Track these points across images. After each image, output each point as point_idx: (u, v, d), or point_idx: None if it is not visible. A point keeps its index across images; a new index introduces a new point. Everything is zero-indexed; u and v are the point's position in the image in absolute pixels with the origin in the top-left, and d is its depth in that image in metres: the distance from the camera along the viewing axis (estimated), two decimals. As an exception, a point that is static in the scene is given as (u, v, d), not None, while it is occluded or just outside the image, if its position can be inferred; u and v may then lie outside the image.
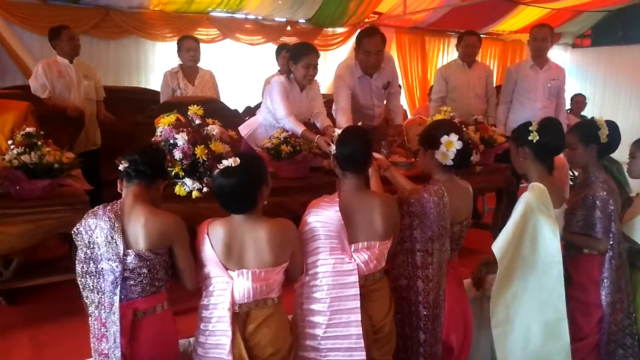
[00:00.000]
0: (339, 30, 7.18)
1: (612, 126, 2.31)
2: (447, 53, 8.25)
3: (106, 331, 1.69)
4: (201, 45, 4.30)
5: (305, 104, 3.36)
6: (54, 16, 5.23)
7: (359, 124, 3.57)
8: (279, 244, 1.81)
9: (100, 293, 1.71)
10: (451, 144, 2.03)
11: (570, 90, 6.18)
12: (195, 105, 2.65)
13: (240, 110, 4.68)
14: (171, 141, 2.49)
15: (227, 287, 1.77)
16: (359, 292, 1.89)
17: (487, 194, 4.51)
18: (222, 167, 1.77)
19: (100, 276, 1.71)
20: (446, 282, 2.13)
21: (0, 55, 4.93)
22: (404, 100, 7.66)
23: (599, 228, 2.23)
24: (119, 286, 1.67)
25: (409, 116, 6.26)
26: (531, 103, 4.15)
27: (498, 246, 2.11)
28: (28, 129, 2.44)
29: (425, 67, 8.04)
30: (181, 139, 2.47)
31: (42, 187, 2.35)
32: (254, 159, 1.86)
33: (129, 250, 1.68)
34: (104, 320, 1.70)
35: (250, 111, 4.57)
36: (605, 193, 2.22)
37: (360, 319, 1.88)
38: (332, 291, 1.91)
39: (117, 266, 1.67)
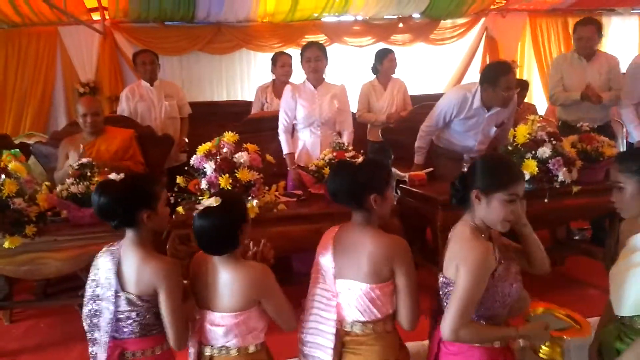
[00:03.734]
0: (460, 20, 6.53)
1: None
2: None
3: None
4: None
5: (322, 102, 3.36)
6: (172, 37, 5.70)
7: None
8: (241, 288, 1.69)
9: (98, 331, 1.73)
10: None
11: None
12: (231, 132, 2.64)
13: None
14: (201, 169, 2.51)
15: (196, 326, 1.77)
16: (334, 331, 1.70)
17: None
18: (201, 208, 1.69)
19: (100, 314, 1.74)
20: None
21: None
22: (541, 95, 6.74)
23: None
24: (111, 326, 1.69)
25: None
26: None
27: None
28: (83, 160, 2.67)
29: (569, 54, 6.94)
30: (209, 167, 2.47)
31: (89, 214, 2.53)
32: (233, 199, 1.77)
33: (121, 293, 1.69)
34: (96, 358, 1.73)
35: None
36: None
37: None
38: (313, 324, 1.78)
39: (110, 307, 1.69)
